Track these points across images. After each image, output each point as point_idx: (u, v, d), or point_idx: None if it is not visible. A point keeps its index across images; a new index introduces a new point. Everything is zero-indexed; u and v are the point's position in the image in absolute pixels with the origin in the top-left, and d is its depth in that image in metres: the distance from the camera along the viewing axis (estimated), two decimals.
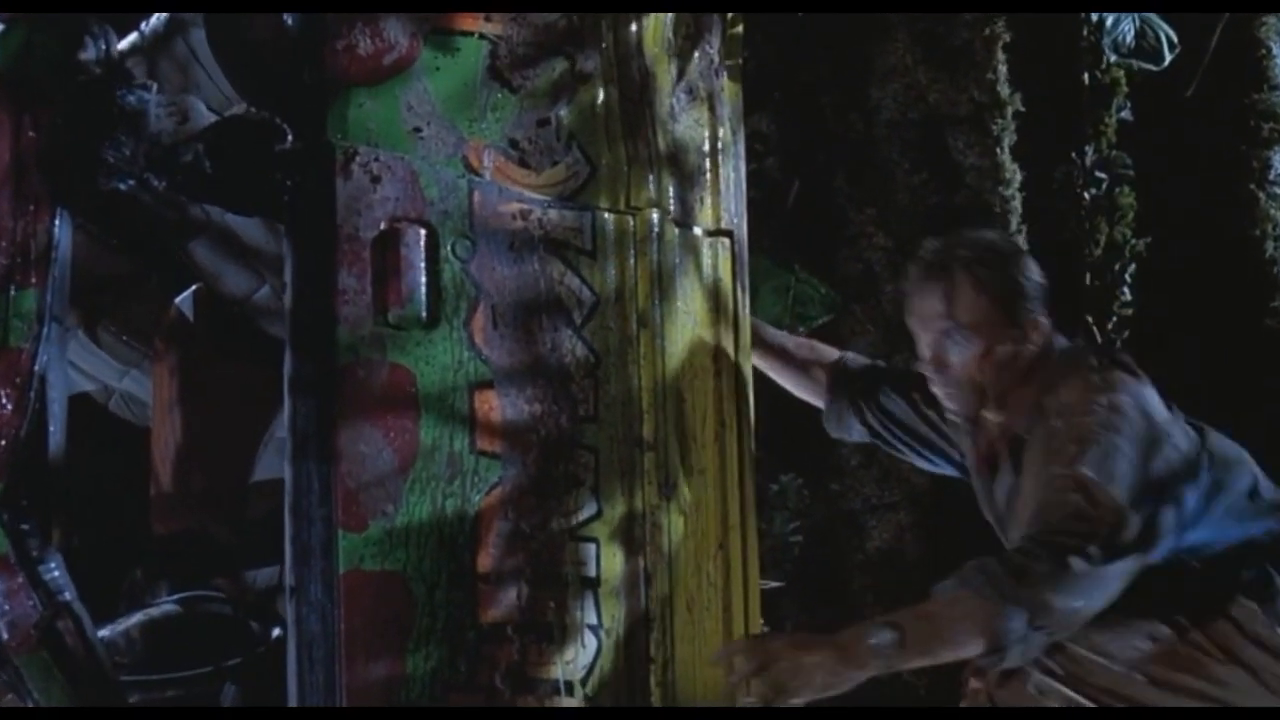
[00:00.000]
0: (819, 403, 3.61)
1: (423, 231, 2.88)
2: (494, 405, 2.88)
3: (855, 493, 4.58)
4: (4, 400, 2.67)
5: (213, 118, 2.90)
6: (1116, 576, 2.74)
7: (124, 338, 3.97)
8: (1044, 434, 2.95)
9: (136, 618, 3.24)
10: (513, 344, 2.92)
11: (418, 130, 2.93)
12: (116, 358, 4.04)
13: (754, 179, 3.71)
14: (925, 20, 4.58)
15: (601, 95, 3.09)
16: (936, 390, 3.15)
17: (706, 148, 3.26)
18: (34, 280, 2.72)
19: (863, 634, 2.73)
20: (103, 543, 4.00)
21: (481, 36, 3.02)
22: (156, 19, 3.28)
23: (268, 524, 3.21)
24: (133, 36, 3.36)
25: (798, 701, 2.73)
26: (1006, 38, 4.51)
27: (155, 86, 2.82)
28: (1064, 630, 2.77)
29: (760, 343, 3.49)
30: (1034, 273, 3.11)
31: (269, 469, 3.60)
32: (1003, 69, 4.49)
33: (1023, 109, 4.54)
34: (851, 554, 4.58)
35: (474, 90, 2.99)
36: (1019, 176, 4.52)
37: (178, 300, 3.72)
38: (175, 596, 3.55)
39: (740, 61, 3.46)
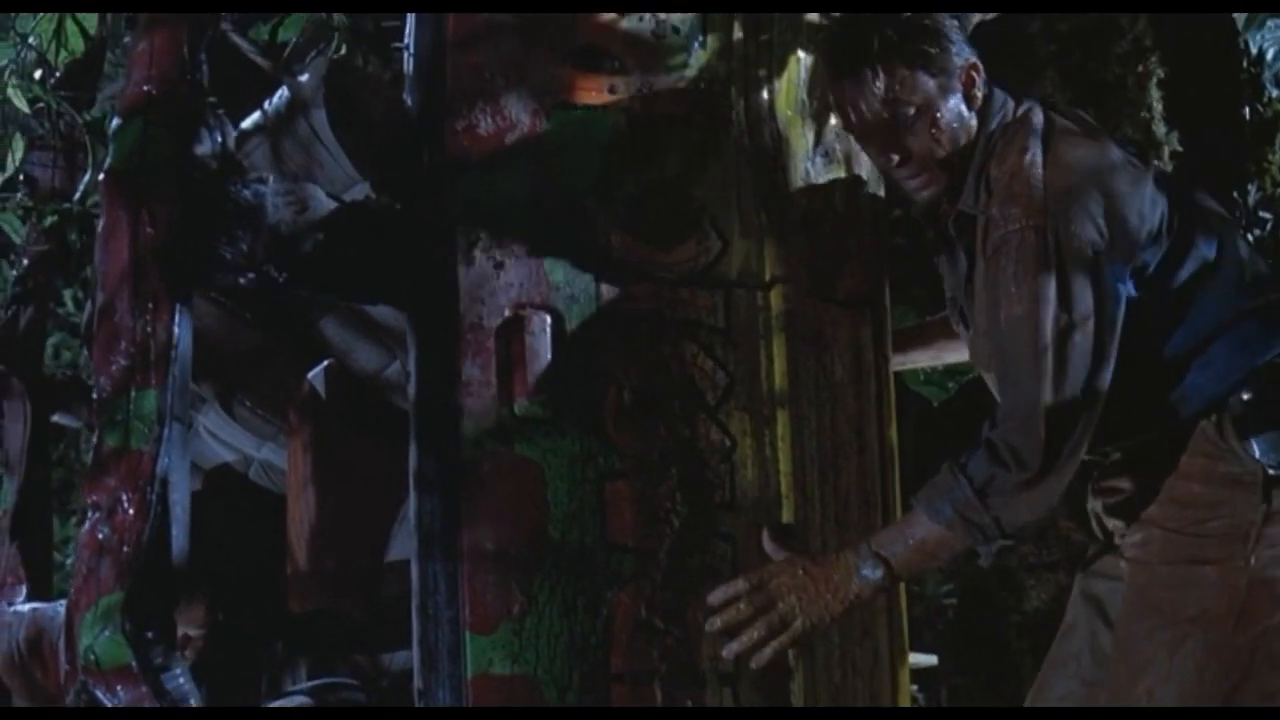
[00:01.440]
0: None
1: (548, 318, 2.78)
2: (625, 496, 2.77)
3: (1012, 551, 4.40)
4: (125, 504, 2.62)
5: (332, 205, 2.82)
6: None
7: (259, 411, 3.94)
8: (986, 235, 2.71)
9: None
10: (644, 431, 2.81)
11: (542, 210, 2.84)
12: (252, 431, 4.01)
13: (898, 226, 3.58)
14: (1075, 55, 4.40)
15: (732, 165, 2.97)
16: (908, 185, 2.87)
17: (844, 211, 3.12)
18: (154, 380, 2.66)
19: (852, 570, 2.64)
20: (243, 617, 3.98)
21: (606, 109, 2.91)
22: (279, 98, 3.23)
23: (402, 605, 3.15)
24: (255, 116, 3.31)
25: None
26: (1160, 73, 4.32)
27: (272, 178, 2.75)
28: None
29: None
30: (938, 13, 2.82)
31: (403, 549, 3.54)
32: (1158, 106, 4.30)
33: (1180, 148, 4.35)
34: (1008, 615, 4.41)
35: (600, 166, 2.89)
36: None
37: (310, 375, 3.68)
38: (308, 685, 3.50)
39: None
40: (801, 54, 3.14)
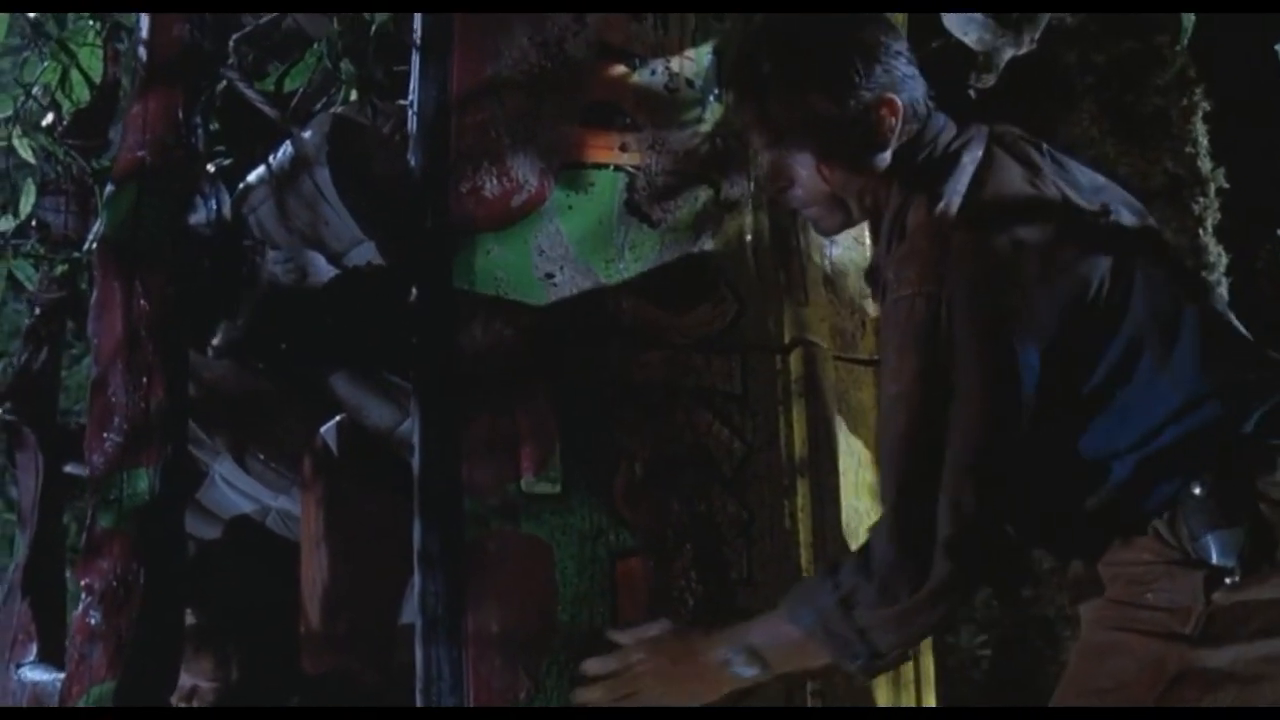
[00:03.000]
0: None
1: (556, 388, 2.67)
2: (638, 574, 2.66)
3: (1048, 600, 4.28)
4: (118, 587, 2.53)
5: (332, 272, 2.73)
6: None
7: (271, 465, 3.84)
8: (884, 296, 2.36)
9: None
10: (657, 506, 2.70)
11: (550, 276, 2.73)
12: (266, 484, 3.91)
13: None
14: (1113, 88, 4.27)
15: (750, 223, 2.86)
16: (803, 214, 2.61)
17: (868, 267, 3.00)
18: (147, 460, 2.57)
19: (725, 664, 2.37)
20: (259, 671, 3.89)
21: (617, 169, 2.81)
22: (283, 154, 3.13)
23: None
24: (260, 170, 3.21)
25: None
26: (1206, 107, 4.17)
27: (268, 247, 2.66)
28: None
29: None
30: (873, 33, 2.42)
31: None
32: (1203, 141, 4.15)
33: (1226, 184, 4.20)
34: (1045, 665, 4.28)
35: (610, 228, 2.78)
36: (1224, 258, 4.17)
37: (323, 430, 3.57)
38: None
39: None
40: None
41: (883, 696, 2.88)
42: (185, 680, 3.70)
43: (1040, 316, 2.19)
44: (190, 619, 3.79)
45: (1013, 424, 2.19)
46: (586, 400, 2.70)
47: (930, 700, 3.01)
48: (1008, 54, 3.85)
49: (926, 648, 3.03)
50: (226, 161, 3.47)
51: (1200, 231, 4.19)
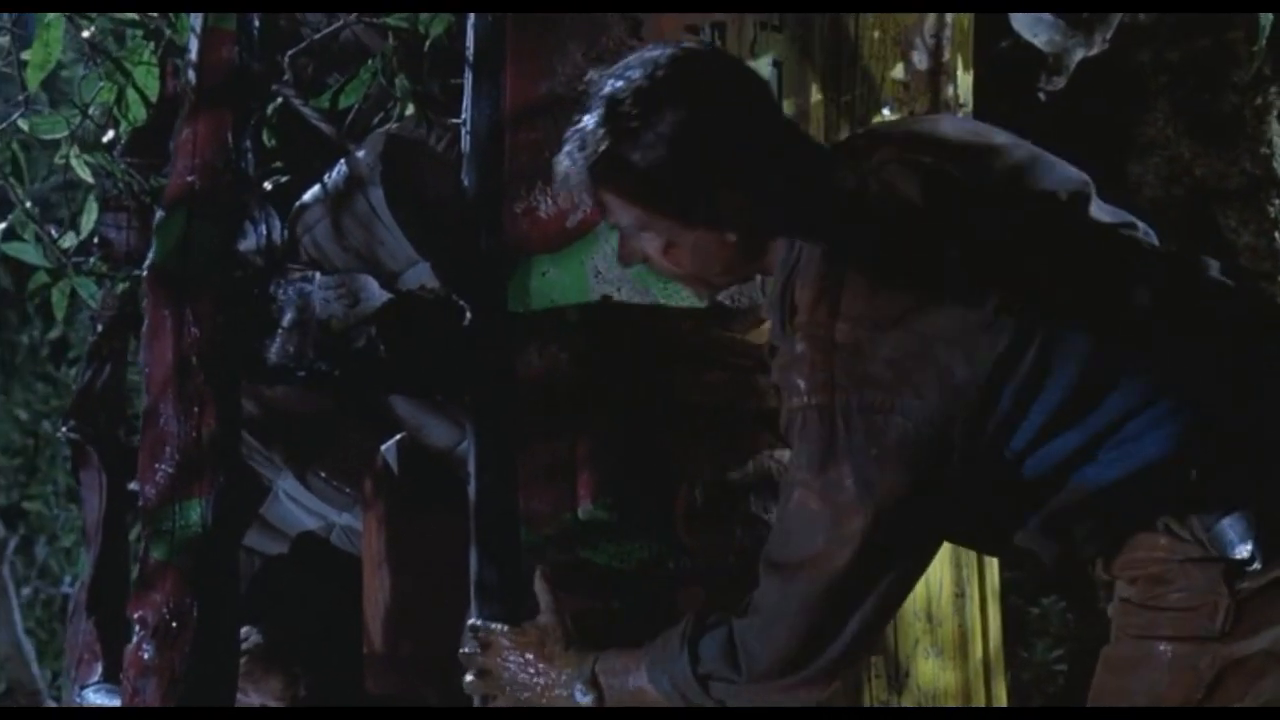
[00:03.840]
0: None
1: (613, 414, 2.61)
2: (699, 603, 2.59)
3: None
4: (171, 621, 2.49)
5: (385, 297, 2.68)
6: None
7: (333, 482, 3.81)
8: (786, 422, 2.16)
9: None
10: (718, 532, 2.63)
11: (607, 298, 2.67)
12: (328, 502, 3.88)
13: None
14: (1188, 87, 4.15)
15: None
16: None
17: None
18: (199, 490, 2.54)
19: (568, 682, 2.36)
20: (327, 689, 3.86)
21: None
22: (338, 173, 3.09)
23: None
24: (316, 189, 3.18)
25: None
26: None
27: (318, 274, 2.62)
28: None
29: None
30: (715, 133, 2.12)
31: None
32: (1278, 141, 4.03)
33: None
34: None
35: None
36: None
37: (383, 449, 3.53)
38: None
39: None
40: (886, 113, 2.96)
41: None
42: (254, 699, 3.68)
43: (950, 394, 2.02)
44: (257, 638, 3.78)
45: (920, 525, 2.09)
46: (645, 424, 2.63)
47: None
48: (1078, 55, 3.75)
49: (999, 669, 2.95)
50: (284, 179, 3.44)
51: (1277, 234, 4.07)
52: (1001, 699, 2.91)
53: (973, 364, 2.02)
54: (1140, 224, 2.31)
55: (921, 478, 2.04)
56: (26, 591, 8.79)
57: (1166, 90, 4.16)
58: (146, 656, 2.49)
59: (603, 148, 2.14)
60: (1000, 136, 2.32)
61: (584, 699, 2.34)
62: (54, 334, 8.88)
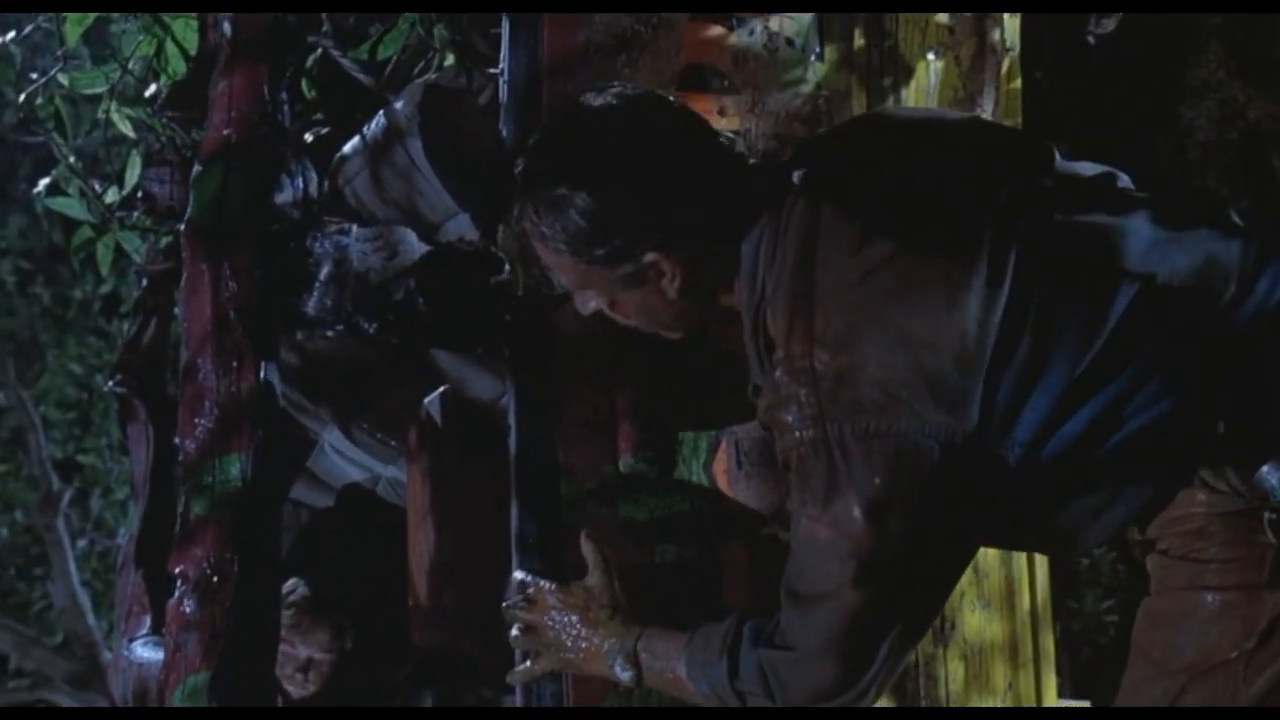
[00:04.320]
0: None
1: (654, 367, 2.59)
2: (742, 558, 2.58)
3: None
4: (212, 575, 2.49)
5: (424, 249, 2.66)
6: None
7: (377, 435, 3.80)
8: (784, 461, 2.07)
9: None
10: (760, 486, 2.61)
11: None
12: (373, 455, 3.87)
13: None
14: (1241, 29, 4.07)
15: None
16: None
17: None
18: (238, 445, 2.53)
19: (610, 653, 2.29)
20: (372, 641, 3.87)
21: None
22: (376, 125, 3.07)
23: None
24: (355, 141, 3.16)
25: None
26: None
27: (355, 226, 2.60)
28: None
29: None
30: (636, 189, 2.04)
31: None
32: None
33: None
34: None
35: None
36: None
37: (427, 401, 3.52)
38: None
39: (1020, 120, 3.09)
40: (931, 57, 2.91)
41: (999, 675, 2.79)
42: (301, 651, 3.69)
43: (951, 391, 1.94)
44: (304, 590, 3.79)
45: (948, 525, 2.00)
46: (686, 378, 2.61)
47: (1050, 676, 2.91)
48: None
49: (1047, 621, 2.92)
50: (324, 131, 3.42)
51: None
52: (1049, 651, 2.88)
53: (964, 365, 1.94)
54: (1121, 174, 2.22)
55: (932, 495, 1.96)
56: (82, 544, 8.89)
57: (1219, 32, 4.09)
58: (188, 611, 2.49)
59: (525, 222, 2.10)
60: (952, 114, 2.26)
61: (623, 674, 2.28)
62: (105, 289, 8.93)
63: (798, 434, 1.97)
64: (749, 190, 2.11)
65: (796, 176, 2.10)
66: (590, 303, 2.18)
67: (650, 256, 2.07)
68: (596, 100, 2.11)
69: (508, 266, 2.22)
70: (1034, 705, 2.83)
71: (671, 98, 2.24)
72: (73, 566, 8.33)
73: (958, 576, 2.11)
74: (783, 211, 2.06)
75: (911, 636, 2.06)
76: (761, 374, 2.11)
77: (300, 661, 3.70)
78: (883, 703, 2.29)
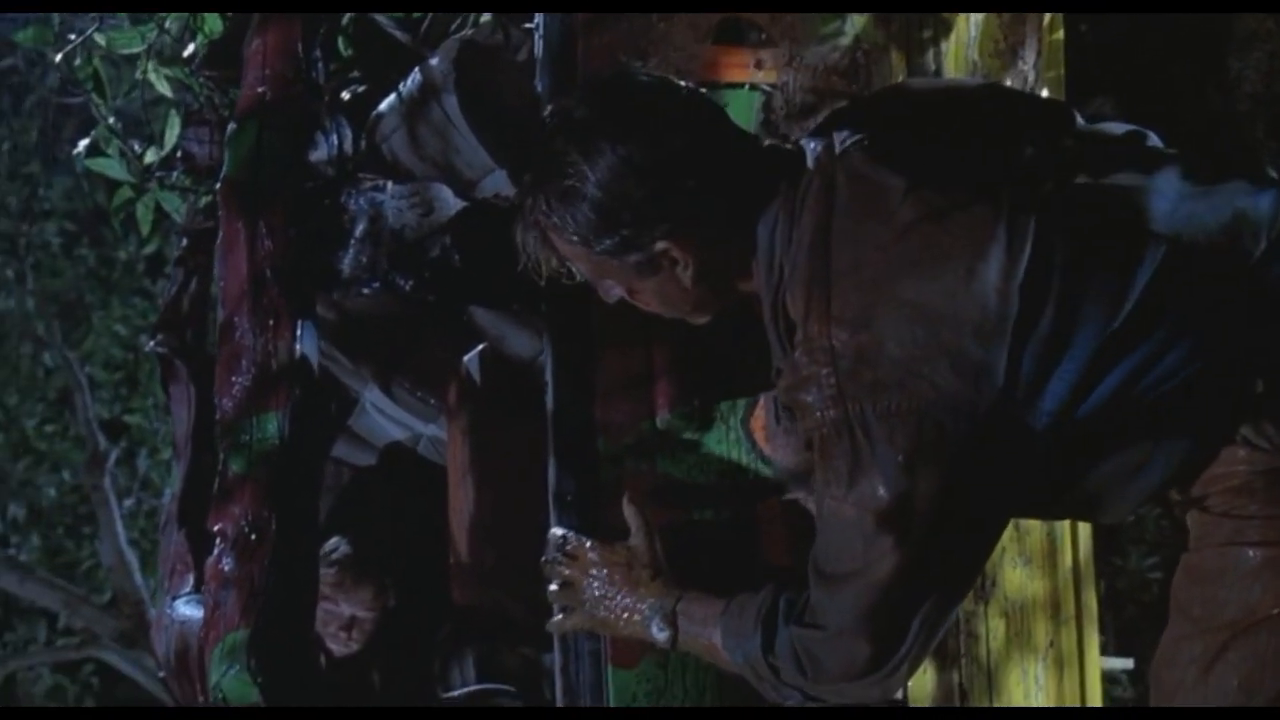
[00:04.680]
0: None
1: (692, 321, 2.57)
2: (779, 514, 2.56)
3: None
4: (250, 533, 2.49)
5: (460, 205, 2.65)
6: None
7: (417, 393, 3.80)
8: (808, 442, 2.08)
9: None
10: (799, 443, 2.59)
11: None
12: (414, 413, 3.88)
13: None
14: None
15: None
16: None
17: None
18: (275, 403, 2.53)
19: (649, 614, 2.29)
20: (414, 600, 3.88)
21: (752, 88, 2.69)
22: (412, 81, 3.06)
23: None
24: (391, 98, 3.15)
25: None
26: None
27: (390, 183, 2.59)
28: None
29: None
30: (638, 177, 2.02)
31: None
32: None
33: None
34: None
35: None
36: None
37: (466, 359, 3.52)
38: (464, 692, 3.38)
39: (1062, 73, 3.04)
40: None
41: (1040, 633, 2.77)
42: (345, 609, 3.70)
43: (975, 360, 1.91)
44: (346, 549, 3.80)
45: (980, 494, 1.97)
46: (723, 331, 2.59)
47: (1093, 633, 2.89)
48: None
49: (1089, 578, 2.90)
50: (361, 89, 3.41)
51: None
52: (1092, 608, 2.86)
53: (985, 337, 1.91)
54: (1150, 133, 2.19)
55: (958, 470, 1.94)
56: (129, 503, 8.95)
57: None
58: (226, 569, 2.50)
59: (538, 214, 2.10)
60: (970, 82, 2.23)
61: (660, 635, 2.28)
62: (150, 249, 8.95)
63: (819, 414, 1.96)
64: (763, 172, 2.09)
65: (811, 155, 2.08)
66: (614, 291, 2.19)
67: (661, 245, 2.07)
68: (603, 90, 2.12)
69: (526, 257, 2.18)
70: (1076, 663, 2.81)
71: (682, 82, 2.22)
72: (119, 526, 8.39)
73: (989, 550, 2.09)
74: (798, 191, 2.05)
75: (944, 612, 2.04)
76: (783, 357, 2.09)
77: (344, 620, 3.71)
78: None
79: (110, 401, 9.40)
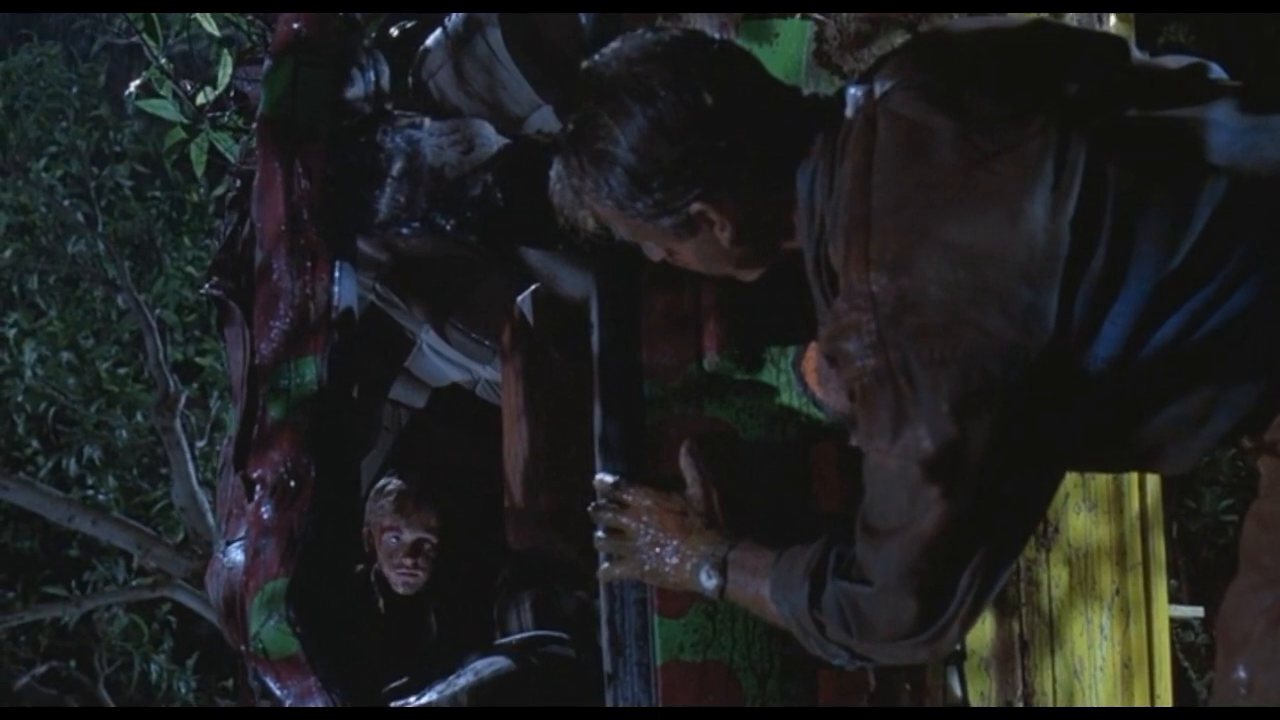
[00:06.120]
0: None
1: None
2: (832, 459, 2.48)
3: None
4: (289, 480, 2.44)
5: (502, 142, 2.57)
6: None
7: (472, 335, 3.74)
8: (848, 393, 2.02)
9: (466, 679, 3.01)
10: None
11: None
12: (469, 355, 3.82)
13: None
14: None
15: None
16: None
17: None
18: (313, 346, 2.47)
19: (699, 563, 2.23)
20: (473, 539, 3.84)
21: (804, 17, 2.58)
22: (456, 15, 2.98)
23: None
24: (437, 33, 3.07)
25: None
26: None
27: (428, 120, 2.51)
28: None
29: None
30: (666, 141, 1.98)
31: None
32: None
33: None
34: None
35: (799, 82, 2.55)
36: None
37: (519, 299, 3.45)
38: (517, 639, 3.33)
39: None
40: None
41: (1105, 580, 2.68)
42: (408, 536, 3.67)
43: (1010, 328, 1.83)
44: (399, 484, 3.76)
45: (1029, 452, 1.89)
46: (773, 270, 2.50)
47: (1161, 581, 2.79)
48: None
49: (1157, 523, 2.80)
50: (408, 24, 3.33)
51: None
52: (1160, 554, 2.76)
53: (1034, 278, 1.82)
54: (1212, 65, 2.07)
55: (1007, 420, 1.85)
56: (201, 444, 8.97)
57: None
58: (266, 516, 2.46)
59: (573, 179, 2.06)
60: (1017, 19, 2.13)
61: (709, 583, 2.23)
62: (220, 191, 8.93)
63: (860, 364, 1.89)
64: (801, 124, 2.03)
65: (852, 101, 2.00)
66: (654, 252, 2.15)
67: (696, 207, 2.03)
68: (633, 49, 2.05)
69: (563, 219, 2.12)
70: (1143, 611, 2.72)
71: (716, 35, 2.16)
72: (191, 467, 8.39)
73: (1044, 504, 2.00)
74: (838, 138, 1.97)
75: (996, 570, 1.96)
76: (825, 309, 2.01)
77: (409, 546, 3.69)
78: None
79: (183, 344, 9.40)
